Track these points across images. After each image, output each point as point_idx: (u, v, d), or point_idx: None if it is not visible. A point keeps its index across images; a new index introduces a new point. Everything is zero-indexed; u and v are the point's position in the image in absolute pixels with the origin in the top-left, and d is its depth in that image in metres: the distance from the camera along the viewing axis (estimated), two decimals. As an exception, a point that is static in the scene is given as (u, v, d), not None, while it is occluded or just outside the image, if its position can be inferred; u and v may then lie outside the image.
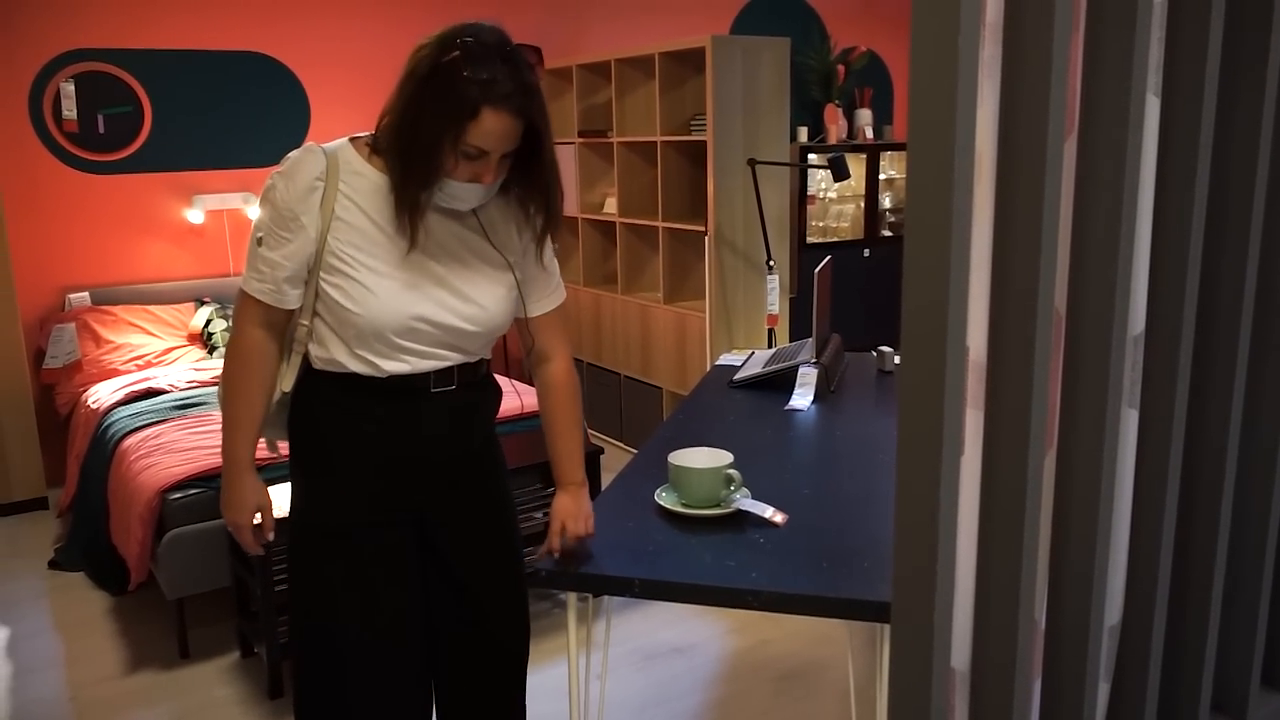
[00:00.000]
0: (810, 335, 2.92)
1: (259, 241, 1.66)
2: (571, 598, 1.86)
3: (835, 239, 6.56)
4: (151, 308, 4.57)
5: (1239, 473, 1.69)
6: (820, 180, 6.42)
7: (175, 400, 3.78)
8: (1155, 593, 1.59)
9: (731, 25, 6.21)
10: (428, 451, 1.78)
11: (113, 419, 3.68)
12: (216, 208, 4.80)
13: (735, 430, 2.49)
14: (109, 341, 4.37)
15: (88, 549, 3.60)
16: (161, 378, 4.04)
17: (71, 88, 4.44)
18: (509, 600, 1.94)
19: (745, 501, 1.92)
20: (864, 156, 6.46)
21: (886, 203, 6.81)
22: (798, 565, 1.76)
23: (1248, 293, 1.57)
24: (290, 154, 1.68)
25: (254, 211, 4.89)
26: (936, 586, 1.32)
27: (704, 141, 4.22)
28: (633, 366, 4.82)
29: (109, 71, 4.50)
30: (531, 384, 2.35)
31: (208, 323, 4.53)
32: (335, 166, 1.68)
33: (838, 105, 6.51)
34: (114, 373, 4.24)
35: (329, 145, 1.72)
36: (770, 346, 4.14)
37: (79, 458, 3.84)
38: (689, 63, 4.41)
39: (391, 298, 1.65)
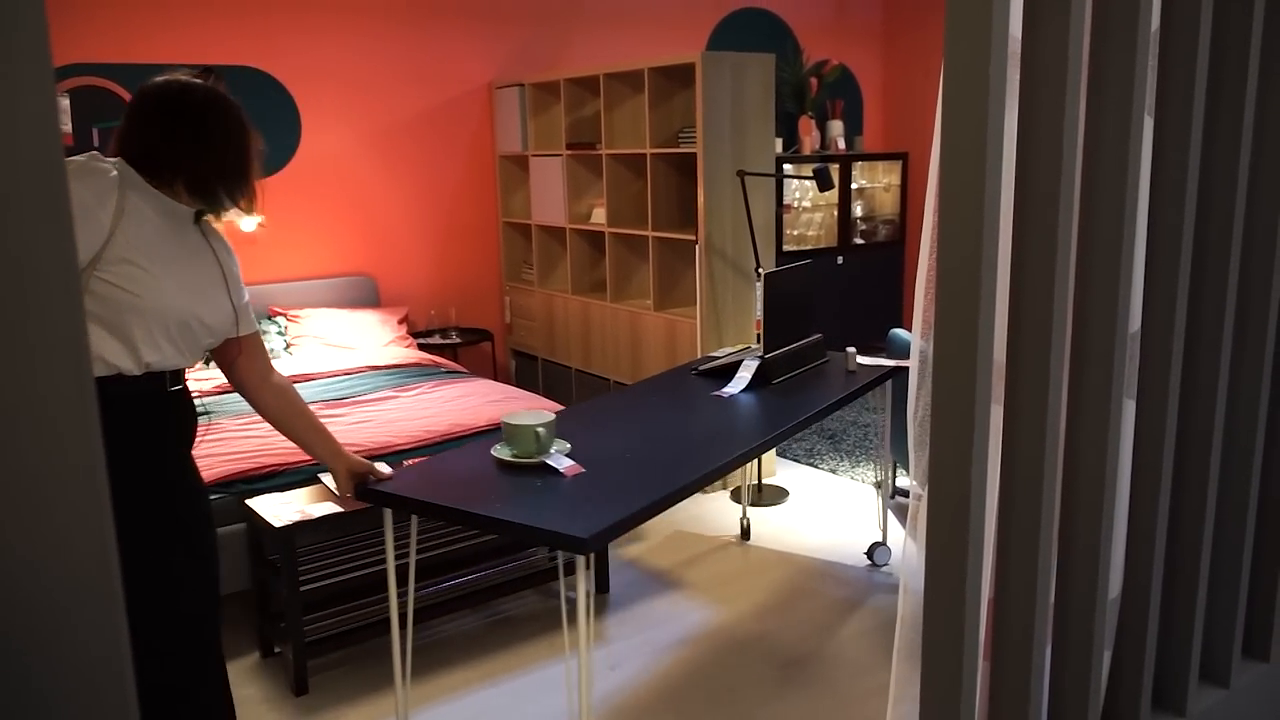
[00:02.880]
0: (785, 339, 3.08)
1: None
2: (580, 594, 2.05)
3: (810, 246, 6.75)
4: (147, 319, 4.62)
5: (1223, 457, 1.87)
6: (795, 190, 6.60)
7: (181, 409, 3.85)
8: (1151, 568, 1.75)
9: (709, 38, 6.37)
10: (174, 445, 1.97)
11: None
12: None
13: (655, 406, 2.91)
14: (106, 353, 4.41)
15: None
16: (163, 388, 4.10)
17: (66, 102, 4.49)
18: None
19: (552, 456, 2.36)
20: (836, 166, 6.65)
21: (858, 211, 7.01)
22: (550, 505, 2.14)
23: (1231, 293, 1.74)
24: (77, 158, 1.85)
25: (249, 224, 4.97)
26: (967, 570, 1.47)
27: (693, 153, 4.37)
28: (622, 372, 4.95)
29: (104, 86, 4.56)
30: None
31: (204, 333, 4.59)
32: (123, 179, 1.87)
33: (811, 117, 6.70)
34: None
35: (111, 160, 1.91)
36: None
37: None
38: (677, 77, 4.56)
39: (175, 291, 1.89)
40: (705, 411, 2.85)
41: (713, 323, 4.32)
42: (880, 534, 3.77)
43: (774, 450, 4.68)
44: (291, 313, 4.97)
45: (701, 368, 3.32)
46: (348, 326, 4.96)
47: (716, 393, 3.02)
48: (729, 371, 3.22)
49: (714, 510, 4.26)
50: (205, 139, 1.94)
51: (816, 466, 4.77)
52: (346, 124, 5.22)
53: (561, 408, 3.22)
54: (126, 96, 4.61)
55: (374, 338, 4.94)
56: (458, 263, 5.71)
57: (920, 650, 1.61)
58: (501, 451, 2.41)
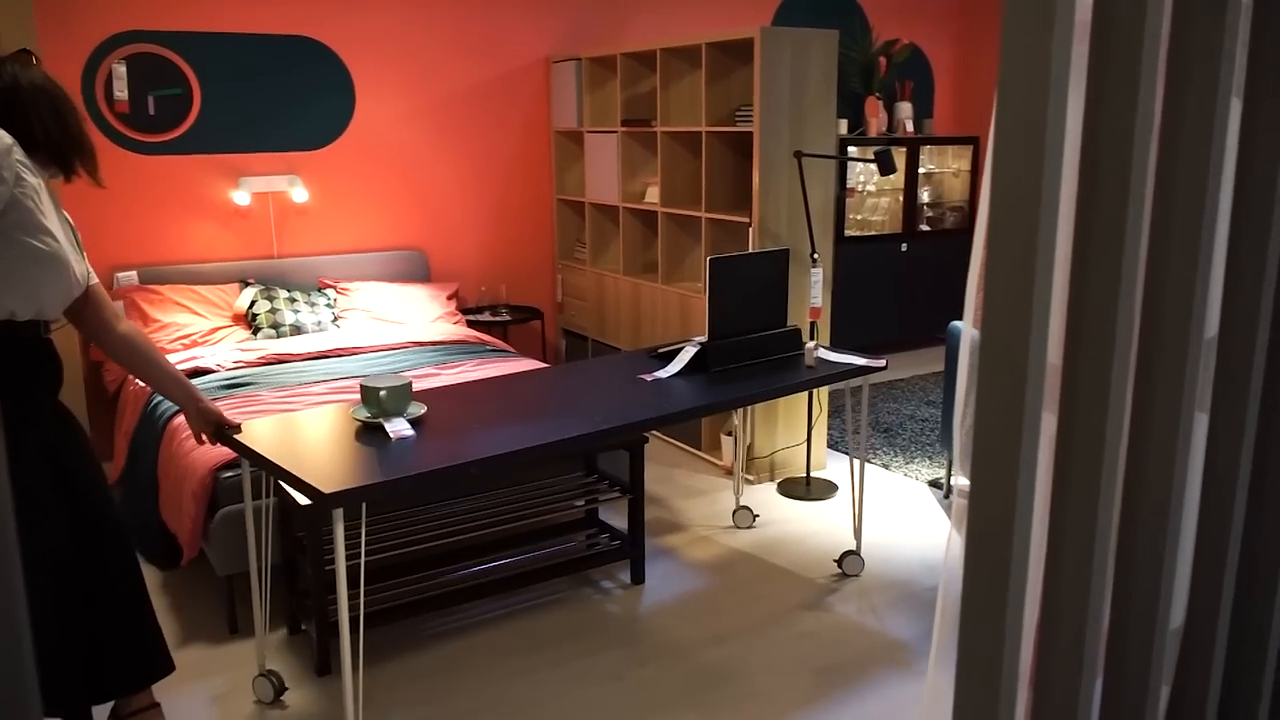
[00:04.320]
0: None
1: None
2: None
3: (873, 232, 6.54)
4: (197, 288, 4.63)
5: (1307, 479, 1.69)
6: (859, 173, 6.40)
7: (223, 380, 3.83)
8: (1220, 597, 1.59)
9: (775, 15, 6.18)
10: (53, 387, 2.21)
11: (162, 397, 3.73)
12: (262, 190, 4.85)
13: (574, 382, 3.01)
14: (156, 320, 4.43)
15: (137, 524, 3.66)
16: (208, 357, 4.10)
17: (123, 69, 4.49)
18: None
19: (391, 419, 2.54)
20: (904, 150, 6.43)
21: (925, 197, 6.77)
22: (347, 462, 2.31)
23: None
24: None
25: (300, 194, 4.95)
26: (1009, 590, 1.33)
27: (749, 133, 4.21)
28: (671, 356, 4.83)
29: (160, 54, 4.55)
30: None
31: (252, 304, 4.59)
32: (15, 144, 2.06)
33: (878, 98, 6.48)
34: (162, 351, 4.29)
35: None
36: (812, 339, 4.14)
37: (127, 434, 3.90)
38: (736, 53, 4.40)
39: (64, 242, 2.14)
40: (612, 391, 2.88)
41: (764, 309, 4.18)
42: (855, 542, 3.61)
43: (825, 443, 4.53)
44: (341, 285, 4.94)
45: (660, 349, 3.25)
46: (397, 301, 4.92)
47: (644, 374, 3.01)
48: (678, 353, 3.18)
49: (761, 503, 4.13)
50: (56, 116, 2.17)
51: (869, 461, 4.61)
52: (401, 95, 5.16)
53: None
54: (183, 64, 4.60)
55: (422, 313, 4.89)
56: (510, 239, 5.64)
57: (956, 661, 1.48)
58: (359, 413, 2.61)
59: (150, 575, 3.48)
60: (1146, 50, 1.27)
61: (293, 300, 4.67)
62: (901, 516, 3.97)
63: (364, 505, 2.44)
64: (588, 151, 5.33)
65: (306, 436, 2.53)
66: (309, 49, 4.88)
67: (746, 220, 4.20)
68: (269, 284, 4.79)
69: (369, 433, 2.53)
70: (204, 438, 2.51)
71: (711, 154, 4.47)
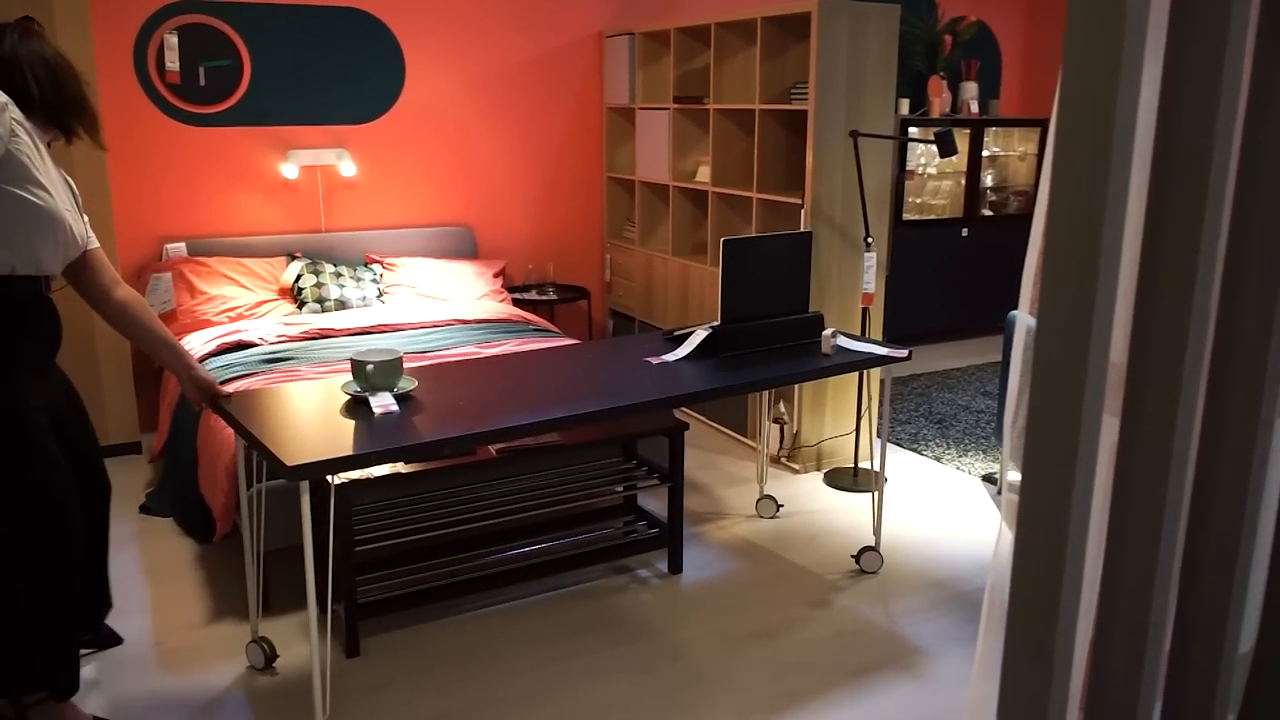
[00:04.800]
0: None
1: None
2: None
3: (932, 216, 6.35)
4: (245, 260, 4.62)
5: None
6: (920, 155, 6.20)
7: (264, 354, 3.81)
8: (1296, 622, 1.46)
9: (835, -9, 5.99)
10: (54, 345, 2.31)
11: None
12: (310, 163, 4.83)
13: (580, 362, 2.96)
14: (203, 292, 4.43)
15: (177, 496, 3.67)
16: (252, 330, 4.08)
17: (175, 39, 4.48)
18: None
19: (376, 394, 2.50)
20: (967, 132, 6.22)
21: (988, 181, 6.55)
22: (327, 435, 2.29)
23: None
24: None
25: (348, 168, 4.92)
26: (1060, 606, 1.22)
27: (804, 111, 4.07)
28: (718, 340, 4.72)
29: (211, 24, 4.54)
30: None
31: (298, 277, 4.57)
32: (9, 104, 2.12)
33: (942, 77, 6.27)
34: (206, 324, 4.31)
35: None
36: (863, 327, 4.00)
37: (170, 406, 3.91)
38: (792, 28, 4.26)
39: (59, 201, 2.20)
40: (614, 373, 2.81)
41: (815, 293, 4.05)
42: (874, 539, 3.46)
43: (875, 433, 4.40)
44: (388, 260, 4.91)
45: (676, 332, 3.17)
46: (442, 277, 4.87)
47: (650, 357, 2.95)
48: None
49: (803, 493, 4.01)
50: (52, 80, 2.25)
51: (920, 453, 4.46)
52: (452, 69, 5.09)
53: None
54: (234, 35, 4.58)
55: (468, 290, 4.84)
56: (559, 217, 5.56)
57: (1001, 668, 1.37)
58: (348, 386, 2.58)
59: (187, 547, 3.48)
60: (1235, 18, 1.14)
61: (338, 275, 4.64)
62: (951, 512, 3.83)
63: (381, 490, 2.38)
64: (639, 128, 5.22)
65: (295, 409, 2.51)
66: (360, 21, 4.83)
67: (799, 202, 4.07)
68: (315, 258, 4.77)
69: (356, 407, 2.51)
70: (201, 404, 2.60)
71: (764, 132, 4.33)
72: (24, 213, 2.12)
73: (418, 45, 4.99)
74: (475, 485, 3.16)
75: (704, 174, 4.81)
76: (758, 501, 3.83)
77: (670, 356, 2.97)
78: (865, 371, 4.17)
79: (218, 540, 3.31)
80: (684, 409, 5.04)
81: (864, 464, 4.29)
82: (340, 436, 2.29)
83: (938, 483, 4.12)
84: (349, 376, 2.66)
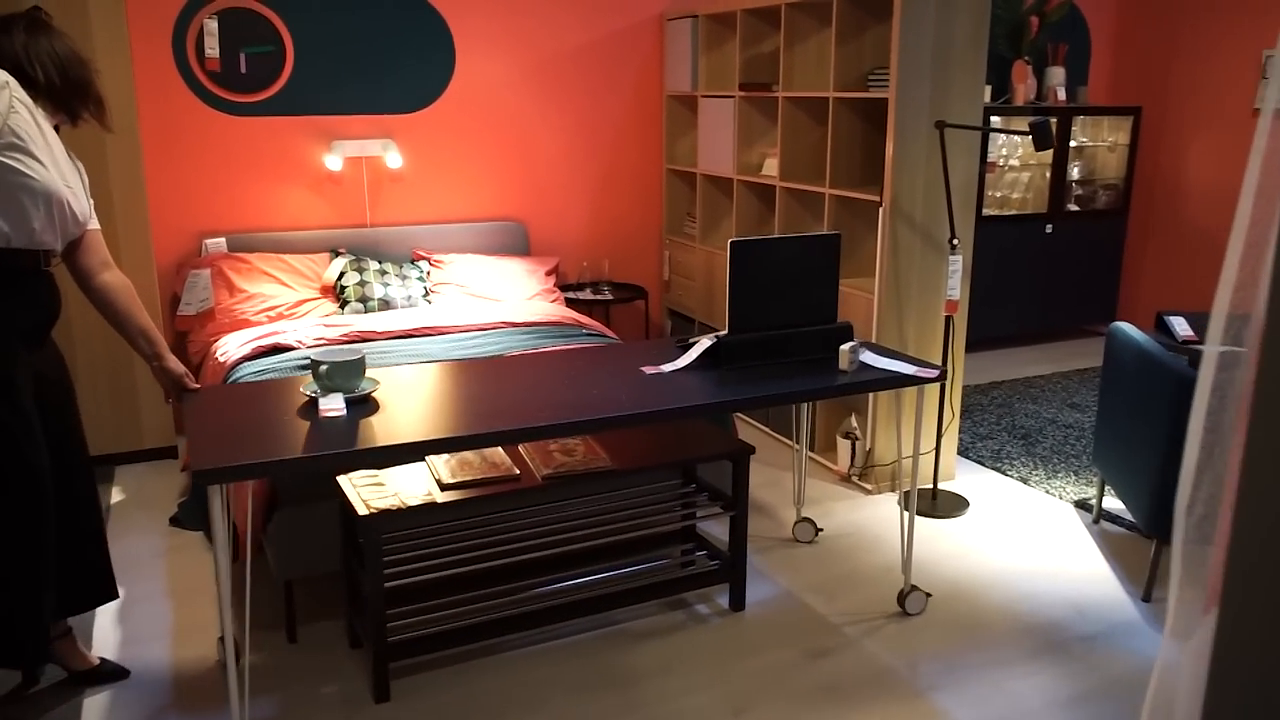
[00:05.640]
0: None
1: None
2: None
3: (1013, 211, 5.94)
4: (286, 257, 4.41)
5: None
6: (1001, 146, 5.79)
7: (300, 359, 3.58)
8: None
9: (914, -31, 5.60)
10: (47, 317, 2.38)
11: (238, 375, 3.51)
12: (356, 155, 4.60)
13: (573, 369, 2.78)
14: (242, 290, 4.22)
15: (206, 509, 3.46)
16: (290, 332, 3.86)
17: (214, 24, 4.27)
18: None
19: (327, 395, 2.41)
20: (1054, 120, 5.78)
21: (1075, 173, 6.11)
22: (257, 436, 2.20)
23: None
24: None
25: (395, 159, 4.68)
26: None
27: (883, 99, 3.72)
28: (784, 346, 4.39)
29: (253, 8, 4.31)
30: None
31: (341, 275, 4.34)
32: (11, 83, 2.21)
33: (1027, 62, 5.84)
34: (245, 323, 4.10)
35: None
36: (946, 339, 3.65)
37: (204, 412, 3.70)
38: (870, 8, 3.90)
39: (57, 179, 2.27)
40: (599, 383, 2.62)
41: (892, 299, 3.71)
42: (907, 577, 3.10)
43: (954, 451, 4.04)
44: (435, 257, 4.66)
45: (690, 340, 2.93)
46: (493, 275, 4.61)
47: (649, 366, 2.76)
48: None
49: (876, 517, 3.68)
50: (57, 65, 2.32)
51: (1004, 473, 4.10)
52: (504, 55, 4.82)
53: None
54: (276, 19, 4.36)
55: (519, 289, 4.58)
56: (615, 212, 5.27)
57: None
58: (307, 387, 2.48)
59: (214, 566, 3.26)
60: None
61: (383, 273, 4.41)
62: (1041, 543, 3.47)
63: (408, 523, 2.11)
64: (701, 118, 4.90)
65: (251, 407, 2.41)
66: (408, 3, 4.57)
67: (876, 199, 3.72)
68: (360, 254, 4.55)
69: (307, 408, 2.39)
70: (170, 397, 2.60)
71: (838, 122, 3.99)
72: (17, 186, 2.18)
73: (469, 29, 4.72)
74: (519, 513, 2.89)
75: (771, 167, 4.48)
76: (795, 524, 3.52)
77: (668, 367, 2.75)
78: (949, 379, 3.82)
79: (240, 561, 3.08)
80: (749, 421, 4.72)
81: (946, 485, 3.94)
82: (274, 440, 2.17)
83: (1025, 508, 3.76)
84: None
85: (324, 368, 2.41)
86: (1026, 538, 3.51)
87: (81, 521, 2.49)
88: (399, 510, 2.50)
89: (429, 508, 2.55)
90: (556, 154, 5.05)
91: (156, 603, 3.04)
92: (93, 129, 2.47)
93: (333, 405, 2.36)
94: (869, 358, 2.84)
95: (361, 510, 2.47)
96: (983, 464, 4.19)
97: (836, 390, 2.67)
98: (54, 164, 2.28)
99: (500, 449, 2.88)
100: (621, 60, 5.07)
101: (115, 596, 2.62)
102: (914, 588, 3.00)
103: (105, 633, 2.87)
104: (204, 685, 2.62)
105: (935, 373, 2.73)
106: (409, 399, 2.48)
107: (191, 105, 4.32)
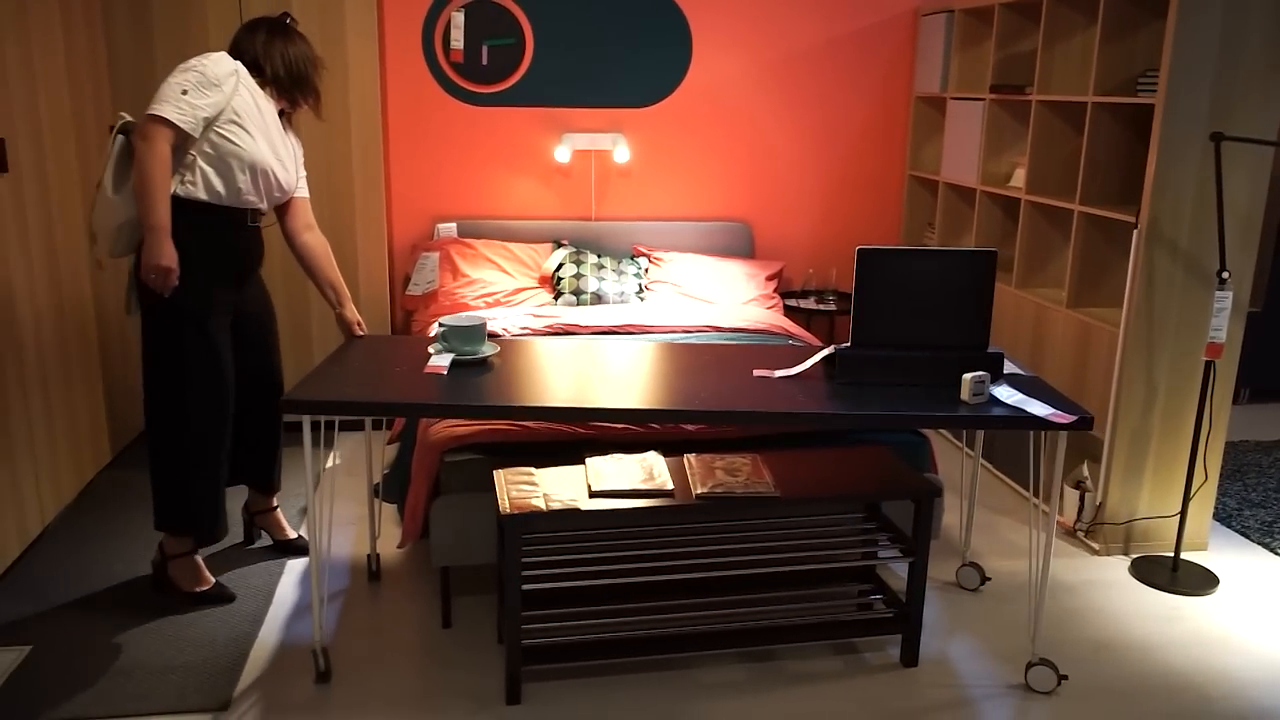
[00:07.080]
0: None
1: (184, 92, 2.55)
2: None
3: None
4: (510, 245, 4.50)
5: None
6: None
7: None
8: None
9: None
10: (247, 264, 2.87)
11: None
12: (584, 148, 4.61)
13: (683, 364, 2.77)
14: (464, 275, 4.35)
15: (403, 485, 3.57)
16: (500, 319, 3.92)
17: (461, 18, 4.41)
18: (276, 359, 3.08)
19: (440, 353, 2.69)
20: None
21: None
22: (368, 382, 2.47)
23: None
24: (210, 54, 2.67)
25: (623, 153, 4.66)
26: None
27: (1150, 105, 3.24)
28: (1016, 376, 3.96)
29: (498, 2, 4.42)
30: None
31: (559, 266, 4.38)
32: (240, 71, 2.70)
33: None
34: (463, 307, 4.21)
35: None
36: (1206, 386, 3.12)
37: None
38: (1147, 3, 3.41)
39: (266, 150, 2.73)
40: (709, 380, 2.60)
41: (1142, 334, 3.23)
42: (1034, 647, 2.54)
43: (1209, 516, 3.47)
44: (655, 254, 4.60)
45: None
46: (711, 276, 4.49)
47: (764, 370, 2.71)
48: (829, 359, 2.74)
49: (1099, 580, 3.22)
50: (285, 61, 2.78)
51: (1273, 549, 3.47)
52: (743, 49, 4.67)
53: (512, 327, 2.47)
54: (519, 13, 4.44)
55: (735, 293, 4.43)
56: (849, 217, 4.98)
57: None
58: (433, 347, 2.75)
59: (396, 545, 3.36)
60: None
61: (600, 267, 4.39)
62: (1306, 641, 2.89)
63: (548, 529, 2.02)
64: (949, 121, 4.53)
65: (382, 359, 2.71)
66: (648, -2, 4.53)
67: (1132, 220, 3.25)
68: (581, 247, 4.56)
69: (424, 365, 2.65)
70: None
71: (1096, 130, 3.52)
72: (226, 152, 2.64)
73: (708, 23, 4.61)
74: (671, 529, 2.75)
75: (1018, 178, 4.05)
76: (959, 569, 3.13)
77: (780, 373, 2.66)
78: (1203, 434, 3.29)
79: (402, 547, 3.11)
80: (993, 471, 4.31)
81: (1191, 555, 3.39)
82: (372, 386, 2.44)
83: (1291, 595, 3.16)
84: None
85: (444, 329, 2.69)
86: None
87: (269, 425, 3.10)
88: (541, 512, 2.43)
89: (572, 513, 2.46)
90: (790, 154, 4.83)
91: (332, 573, 3.17)
92: (347, 120, 3.23)
93: (439, 363, 2.61)
94: (1001, 393, 2.47)
95: (505, 508, 2.42)
96: (1247, 535, 3.58)
97: (937, 421, 2.36)
98: (268, 140, 2.74)
99: (663, 459, 2.75)
100: (868, 58, 4.78)
101: (278, 487, 3.23)
102: (1042, 660, 2.59)
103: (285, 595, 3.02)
104: (357, 663, 2.68)
105: (1071, 418, 2.33)
106: (521, 368, 2.66)
107: (436, 95, 4.50)
